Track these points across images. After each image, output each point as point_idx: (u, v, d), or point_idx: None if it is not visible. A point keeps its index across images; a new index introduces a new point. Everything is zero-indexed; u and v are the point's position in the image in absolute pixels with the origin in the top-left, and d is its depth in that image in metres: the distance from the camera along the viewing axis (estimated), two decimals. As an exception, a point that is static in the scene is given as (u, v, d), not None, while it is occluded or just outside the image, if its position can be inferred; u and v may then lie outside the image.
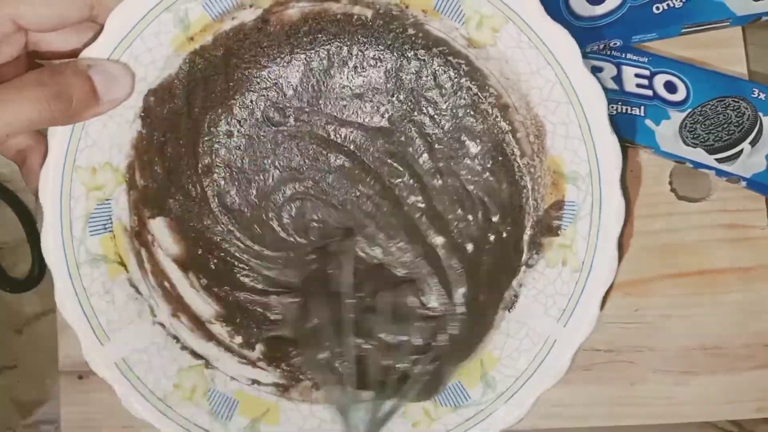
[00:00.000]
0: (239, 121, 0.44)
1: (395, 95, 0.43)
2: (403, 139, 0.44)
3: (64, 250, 0.38)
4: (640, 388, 0.44)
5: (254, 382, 0.42)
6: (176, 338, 0.42)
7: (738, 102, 0.43)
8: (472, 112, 0.43)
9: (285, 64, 0.43)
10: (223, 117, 0.43)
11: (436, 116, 0.43)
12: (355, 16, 0.41)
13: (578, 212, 0.39)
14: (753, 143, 0.43)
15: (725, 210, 0.44)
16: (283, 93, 0.44)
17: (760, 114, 0.43)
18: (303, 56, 0.43)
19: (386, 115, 0.44)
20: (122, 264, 0.41)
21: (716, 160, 0.43)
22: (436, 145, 0.43)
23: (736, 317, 0.43)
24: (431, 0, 0.39)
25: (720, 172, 0.43)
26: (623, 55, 0.45)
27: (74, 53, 0.37)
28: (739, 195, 0.44)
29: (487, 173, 0.43)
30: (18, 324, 0.49)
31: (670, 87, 0.44)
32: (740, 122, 0.43)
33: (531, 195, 0.41)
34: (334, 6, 0.40)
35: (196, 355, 0.42)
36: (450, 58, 0.41)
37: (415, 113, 0.43)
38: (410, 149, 0.44)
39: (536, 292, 0.40)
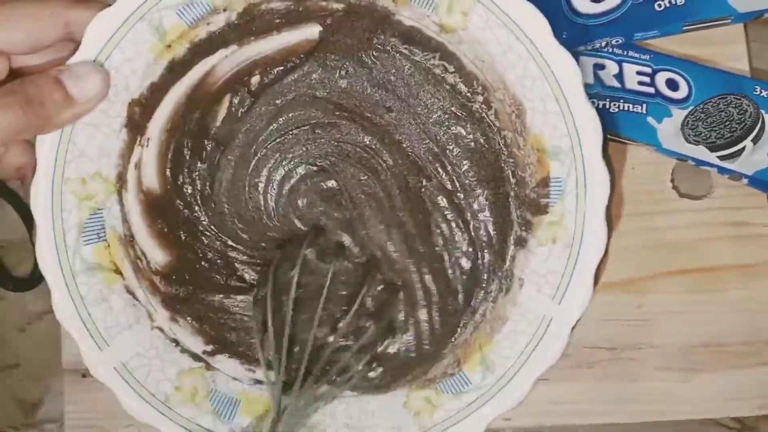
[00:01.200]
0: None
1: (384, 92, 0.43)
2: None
3: (58, 259, 0.39)
4: (642, 386, 0.44)
5: (256, 382, 0.42)
6: (176, 342, 0.42)
7: (740, 99, 0.43)
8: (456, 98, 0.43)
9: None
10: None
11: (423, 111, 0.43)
12: (328, 12, 0.41)
13: (564, 187, 0.39)
14: (755, 140, 0.43)
15: (727, 207, 0.44)
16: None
17: (762, 111, 0.43)
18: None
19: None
20: (118, 272, 0.41)
21: (718, 157, 0.43)
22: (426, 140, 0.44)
23: (738, 314, 0.43)
24: None
25: (722, 170, 0.43)
26: (625, 53, 0.45)
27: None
28: (741, 192, 0.44)
29: (475, 155, 0.43)
30: (21, 322, 0.49)
31: (672, 84, 0.44)
32: (742, 119, 0.43)
33: (517, 174, 0.41)
34: (309, 3, 0.41)
35: (196, 357, 0.42)
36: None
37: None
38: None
39: (529, 272, 0.40)
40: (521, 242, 0.41)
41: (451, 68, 0.42)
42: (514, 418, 0.44)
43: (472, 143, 0.43)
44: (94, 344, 0.40)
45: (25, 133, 0.35)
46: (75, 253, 0.39)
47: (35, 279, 0.48)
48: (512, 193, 0.42)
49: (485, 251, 0.43)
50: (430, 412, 0.40)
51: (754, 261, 0.44)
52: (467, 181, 0.43)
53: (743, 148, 0.43)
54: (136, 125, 0.41)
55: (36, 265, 0.48)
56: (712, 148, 0.43)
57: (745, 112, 0.43)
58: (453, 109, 0.43)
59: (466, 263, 0.43)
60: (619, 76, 0.44)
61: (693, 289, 0.44)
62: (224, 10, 0.40)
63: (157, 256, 0.43)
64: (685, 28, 0.44)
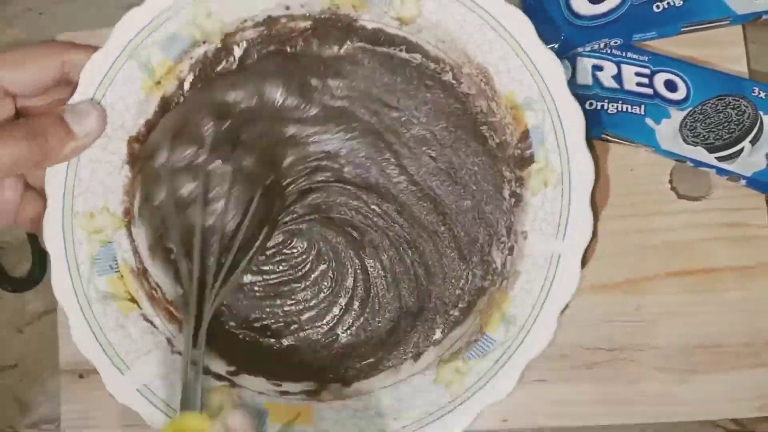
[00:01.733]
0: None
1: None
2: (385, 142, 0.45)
3: (74, 289, 0.40)
4: (640, 387, 0.44)
5: (283, 393, 0.42)
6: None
7: (738, 100, 0.43)
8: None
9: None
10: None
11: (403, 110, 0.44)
12: (299, 30, 0.43)
13: (543, 133, 0.40)
14: (753, 142, 0.43)
15: (726, 209, 0.44)
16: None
17: (761, 113, 0.43)
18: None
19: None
20: (134, 301, 0.42)
21: (716, 158, 0.43)
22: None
23: (737, 315, 0.43)
24: None
25: (720, 171, 0.43)
26: (623, 54, 0.45)
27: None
28: (740, 193, 0.44)
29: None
30: (19, 323, 0.49)
31: (671, 85, 0.44)
32: (741, 121, 0.43)
33: (497, 139, 0.42)
34: (278, 26, 0.43)
35: (220, 377, 0.42)
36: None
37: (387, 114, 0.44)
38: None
39: (530, 223, 0.41)
40: (517, 198, 0.42)
41: (417, 57, 0.43)
42: (512, 420, 0.44)
43: (448, 108, 0.44)
44: (115, 369, 0.40)
45: (28, 164, 0.37)
46: (89, 283, 0.40)
47: (33, 280, 0.49)
48: (498, 157, 0.43)
49: (485, 221, 0.43)
50: (461, 380, 0.41)
51: (752, 262, 0.44)
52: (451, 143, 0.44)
53: (741, 150, 0.43)
54: (136, 162, 0.42)
55: (33, 265, 0.48)
56: (711, 149, 0.43)
57: (743, 113, 0.43)
58: (425, 81, 0.44)
59: (467, 233, 0.44)
60: (618, 78, 0.44)
61: (691, 290, 0.44)
62: (203, 42, 0.42)
63: (171, 288, 0.43)
64: (683, 29, 0.44)
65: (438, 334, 0.43)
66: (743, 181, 0.43)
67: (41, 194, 0.41)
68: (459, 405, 0.40)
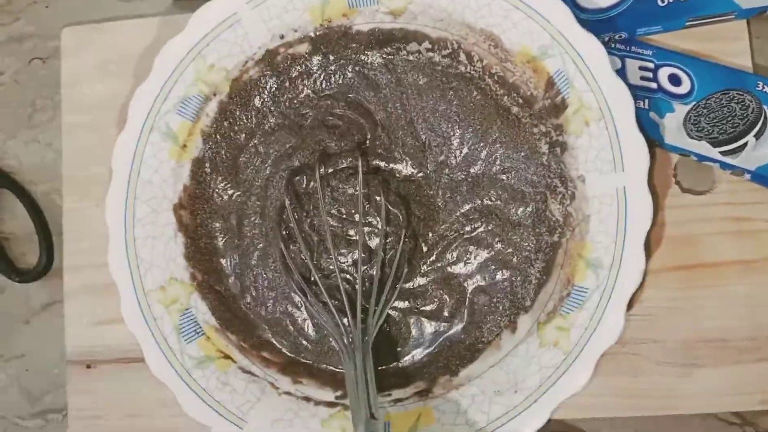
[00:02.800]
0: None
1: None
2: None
3: (170, 364, 0.42)
4: (644, 380, 0.44)
5: (396, 401, 0.43)
6: (307, 398, 0.43)
7: (742, 95, 0.43)
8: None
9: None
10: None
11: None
12: (298, 58, 0.44)
13: (568, 75, 0.40)
14: (758, 136, 0.43)
15: (729, 203, 0.44)
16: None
17: (765, 107, 0.43)
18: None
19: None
20: (228, 357, 0.42)
21: (720, 152, 0.43)
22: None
23: (740, 310, 0.43)
24: (344, 1, 0.42)
25: (724, 165, 0.43)
26: (627, 48, 0.45)
27: None
28: (744, 188, 0.44)
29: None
30: (26, 314, 0.50)
31: (675, 80, 0.44)
32: (745, 115, 0.43)
33: (523, 95, 0.43)
34: (279, 57, 0.44)
35: (331, 404, 0.43)
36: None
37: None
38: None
39: (584, 165, 0.41)
40: (562, 146, 0.42)
41: (426, 44, 0.43)
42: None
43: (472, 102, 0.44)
44: (233, 425, 0.41)
45: None
46: (182, 354, 0.42)
47: (40, 271, 0.49)
48: (523, 121, 0.43)
49: (530, 184, 0.44)
50: (566, 336, 0.41)
51: (756, 256, 0.44)
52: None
53: (746, 144, 0.43)
54: (186, 227, 0.43)
55: (41, 256, 0.48)
56: (715, 144, 0.43)
57: (747, 107, 0.43)
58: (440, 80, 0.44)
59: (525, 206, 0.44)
60: (622, 72, 0.44)
61: (695, 284, 0.44)
62: (214, 95, 0.43)
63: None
64: (688, 23, 0.44)
65: (526, 301, 0.43)
66: (747, 176, 0.43)
67: None
68: (574, 360, 0.40)
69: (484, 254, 0.44)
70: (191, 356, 0.42)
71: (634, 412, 0.44)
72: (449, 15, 0.42)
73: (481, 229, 0.44)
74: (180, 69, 0.42)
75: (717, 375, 0.43)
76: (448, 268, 0.44)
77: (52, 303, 0.49)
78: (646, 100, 0.44)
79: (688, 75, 0.44)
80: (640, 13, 0.44)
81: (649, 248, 0.40)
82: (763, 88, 0.43)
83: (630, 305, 0.41)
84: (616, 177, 0.40)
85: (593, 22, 0.44)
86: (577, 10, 0.44)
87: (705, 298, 0.44)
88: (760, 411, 0.43)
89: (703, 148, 0.43)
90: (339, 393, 0.43)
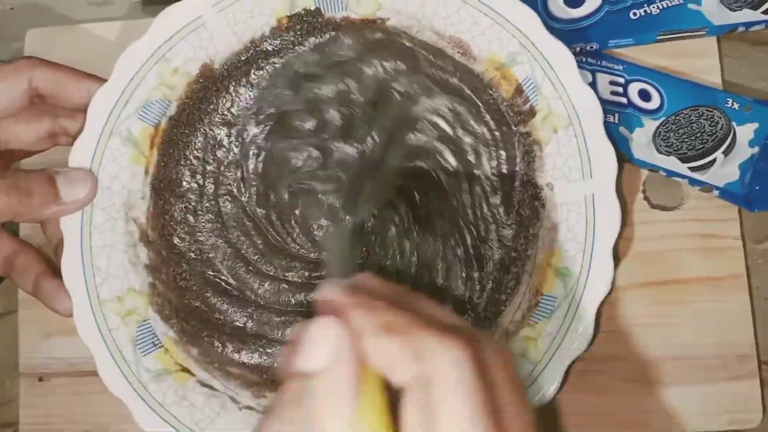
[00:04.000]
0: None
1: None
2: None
3: (124, 377, 0.40)
4: (612, 398, 0.43)
5: None
6: None
7: (712, 111, 0.43)
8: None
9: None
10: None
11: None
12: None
13: (536, 85, 0.40)
14: (726, 153, 0.43)
15: (698, 219, 0.44)
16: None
17: (734, 124, 0.43)
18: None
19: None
20: (186, 371, 0.41)
21: (689, 168, 0.43)
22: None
23: (708, 327, 0.43)
24: (311, 6, 0.42)
25: (693, 181, 0.43)
26: (598, 62, 0.45)
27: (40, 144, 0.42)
28: (712, 204, 0.44)
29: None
30: (-21, 324, 0.48)
31: (645, 95, 0.44)
32: (714, 131, 0.43)
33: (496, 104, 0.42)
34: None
35: None
36: None
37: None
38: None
39: (551, 173, 0.41)
40: (530, 154, 0.42)
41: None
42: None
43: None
44: None
45: (5, 215, 0.37)
46: (138, 366, 0.40)
47: (-5, 279, 0.47)
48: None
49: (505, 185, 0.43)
50: (534, 345, 0.40)
51: (724, 273, 0.43)
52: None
53: (714, 160, 0.43)
54: (147, 236, 0.42)
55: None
56: (684, 159, 0.43)
57: (716, 124, 0.43)
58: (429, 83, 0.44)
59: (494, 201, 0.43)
60: (593, 86, 0.44)
61: (663, 301, 0.43)
62: (177, 99, 0.42)
63: None
64: (659, 37, 0.44)
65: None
66: (716, 192, 0.43)
67: (13, 235, 0.41)
68: (543, 370, 0.39)
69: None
70: (148, 369, 0.40)
71: (602, 430, 0.43)
72: (418, 21, 0.41)
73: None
74: (142, 72, 0.41)
75: (684, 394, 0.43)
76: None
77: (5, 313, 0.48)
78: (616, 115, 0.44)
79: (658, 90, 0.44)
80: (611, 25, 0.44)
81: (617, 262, 0.40)
82: (733, 104, 0.43)
83: (598, 320, 0.40)
84: (584, 184, 0.40)
85: (565, 32, 0.44)
86: (549, 20, 0.44)
87: (673, 315, 0.43)
88: (729, 431, 0.43)
89: (672, 163, 0.43)
90: None
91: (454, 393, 0.25)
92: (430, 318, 0.28)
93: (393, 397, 0.27)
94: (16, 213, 0.37)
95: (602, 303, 0.39)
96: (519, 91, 0.41)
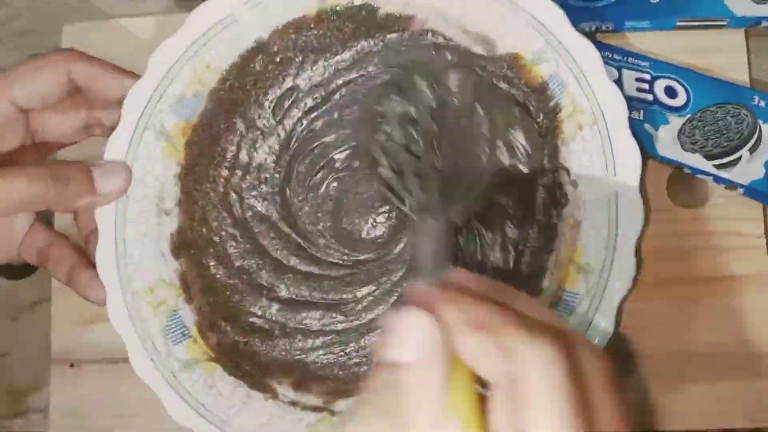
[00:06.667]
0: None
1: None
2: None
3: (155, 365, 0.41)
4: (631, 395, 0.43)
5: None
6: (293, 403, 0.42)
7: (738, 109, 0.43)
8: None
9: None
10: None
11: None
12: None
13: (563, 83, 0.40)
14: (752, 150, 0.43)
15: (722, 217, 0.44)
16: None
17: (760, 121, 0.43)
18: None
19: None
20: (215, 360, 0.42)
21: (714, 166, 0.43)
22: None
23: (730, 325, 0.43)
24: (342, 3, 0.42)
25: (718, 179, 0.43)
26: (624, 59, 0.45)
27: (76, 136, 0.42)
28: (737, 202, 0.44)
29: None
30: (13, 312, 0.50)
31: (671, 92, 0.44)
32: (739, 129, 0.43)
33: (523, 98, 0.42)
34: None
35: (318, 409, 0.42)
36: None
37: None
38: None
39: (576, 170, 0.41)
40: (555, 152, 0.42)
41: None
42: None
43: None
44: (217, 429, 0.40)
45: (41, 204, 0.38)
46: (168, 356, 0.41)
47: (29, 268, 0.49)
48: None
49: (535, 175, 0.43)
50: None
51: (747, 272, 0.43)
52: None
53: (740, 158, 0.43)
54: (179, 228, 0.43)
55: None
56: (709, 157, 0.43)
57: (742, 121, 0.43)
58: None
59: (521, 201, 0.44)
60: (618, 82, 0.44)
61: (686, 299, 0.43)
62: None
63: None
64: (678, 23, 0.44)
65: None
66: (741, 190, 0.43)
67: (47, 226, 0.41)
68: None
69: None
70: (178, 359, 0.41)
71: (622, 426, 0.43)
72: (445, 18, 0.42)
73: None
74: (176, 69, 0.41)
75: (704, 391, 0.43)
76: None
77: (39, 301, 0.49)
78: (641, 112, 0.44)
79: (685, 87, 0.44)
80: (630, 6, 0.44)
81: (640, 259, 0.40)
82: (759, 102, 0.43)
83: (619, 318, 0.40)
84: (608, 182, 0.40)
85: (581, 10, 0.44)
86: (566, -2, 0.44)
87: (695, 313, 0.43)
88: (749, 429, 0.43)
89: (697, 161, 0.43)
90: (327, 398, 0.43)
91: (543, 392, 0.25)
92: (525, 315, 0.28)
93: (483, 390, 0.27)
94: (52, 202, 0.38)
95: (624, 300, 0.39)
96: (543, 88, 0.41)
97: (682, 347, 0.43)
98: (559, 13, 0.40)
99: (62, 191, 0.37)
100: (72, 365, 0.46)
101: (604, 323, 0.39)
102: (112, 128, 0.41)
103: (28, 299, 0.49)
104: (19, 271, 0.49)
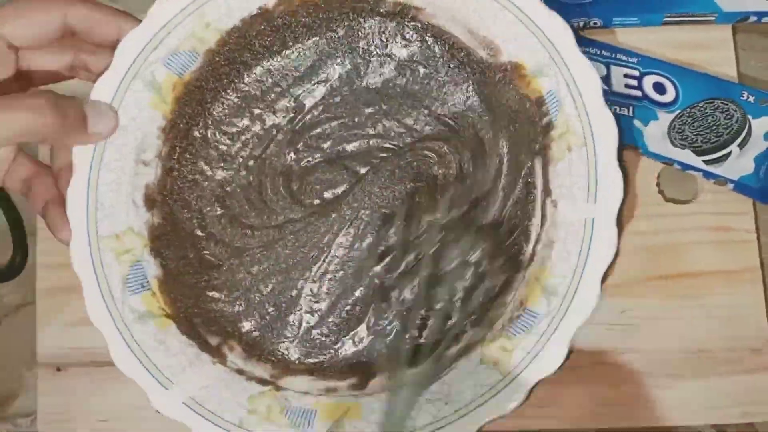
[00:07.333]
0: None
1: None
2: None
3: (109, 312, 0.40)
4: (624, 391, 0.43)
5: (329, 390, 0.42)
6: (240, 371, 0.42)
7: (727, 104, 0.43)
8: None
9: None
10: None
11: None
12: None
13: (558, 96, 0.40)
14: (741, 146, 0.43)
15: (712, 212, 0.44)
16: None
17: (749, 116, 0.43)
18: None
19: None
20: (169, 317, 0.41)
21: (704, 161, 0.43)
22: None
23: (722, 321, 0.43)
24: None
25: (708, 174, 0.43)
26: (613, 55, 0.45)
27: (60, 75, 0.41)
28: (727, 198, 0.44)
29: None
30: (-3, 315, 0.49)
31: (659, 88, 0.44)
32: (729, 124, 0.43)
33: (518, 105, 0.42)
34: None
35: (264, 382, 0.42)
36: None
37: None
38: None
39: (558, 190, 0.40)
40: (544, 169, 0.41)
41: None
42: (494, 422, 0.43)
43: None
44: (159, 386, 0.40)
45: (38, 136, 0.37)
46: (123, 305, 0.40)
47: (13, 270, 0.48)
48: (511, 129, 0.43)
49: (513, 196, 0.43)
50: (508, 357, 0.40)
51: (738, 267, 0.43)
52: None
53: (729, 153, 0.43)
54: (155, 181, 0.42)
55: (14, 255, 0.48)
56: (699, 152, 0.43)
57: (731, 117, 0.43)
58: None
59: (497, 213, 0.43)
60: (607, 79, 0.44)
61: (677, 295, 0.43)
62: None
63: None
64: (666, 19, 0.44)
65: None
66: (730, 185, 0.43)
67: (32, 158, 0.40)
68: (510, 382, 0.39)
69: None
70: (133, 309, 0.40)
71: (615, 423, 0.43)
72: (453, 18, 0.41)
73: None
74: (175, 21, 0.41)
75: (698, 387, 0.43)
76: None
77: (23, 304, 0.48)
78: (630, 108, 0.44)
79: (673, 83, 0.44)
80: (617, 2, 0.44)
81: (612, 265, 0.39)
82: (748, 97, 0.43)
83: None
84: (586, 207, 0.39)
85: (569, 6, 0.44)
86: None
87: (686, 309, 0.43)
88: (741, 424, 0.43)
89: (687, 156, 0.43)
90: (275, 372, 0.42)
91: None
92: None
93: None
94: (49, 134, 0.37)
95: (579, 329, 0.39)
96: (540, 102, 0.40)
97: (674, 343, 0.43)
98: (567, 31, 0.39)
99: (60, 124, 0.36)
100: (59, 369, 0.46)
101: (557, 349, 0.39)
102: (98, 74, 0.40)
103: (12, 302, 0.49)
104: (4, 272, 0.48)
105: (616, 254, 0.39)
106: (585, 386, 0.43)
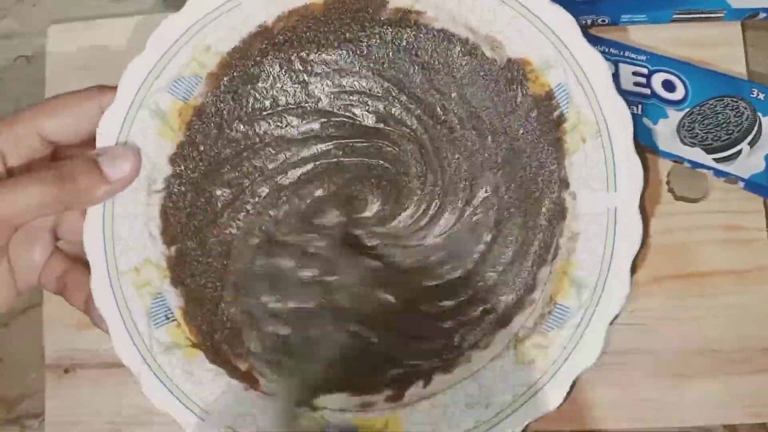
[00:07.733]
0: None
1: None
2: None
3: (136, 347, 0.40)
4: (633, 392, 0.43)
5: (365, 405, 0.41)
6: (274, 395, 0.41)
7: (737, 102, 0.43)
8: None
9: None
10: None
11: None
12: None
13: (567, 88, 0.39)
14: (752, 143, 0.42)
15: (723, 211, 0.43)
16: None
17: (759, 114, 0.43)
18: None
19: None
20: (196, 346, 0.41)
21: (714, 159, 0.43)
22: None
23: (732, 320, 0.43)
24: None
25: (718, 173, 0.43)
26: (621, 53, 0.44)
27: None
28: (737, 196, 0.43)
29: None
30: (4, 317, 0.49)
31: (669, 86, 0.44)
32: (739, 122, 0.43)
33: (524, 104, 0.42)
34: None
35: (300, 403, 0.41)
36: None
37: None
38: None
39: (576, 181, 0.40)
40: (559, 162, 0.41)
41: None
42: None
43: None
44: (196, 417, 0.40)
45: (58, 206, 0.37)
46: (150, 338, 0.40)
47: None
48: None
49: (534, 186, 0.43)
50: (544, 353, 0.39)
51: (748, 266, 0.43)
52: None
53: (740, 151, 0.42)
54: (166, 208, 0.42)
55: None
56: (709, 151, 0.43)
57: (741, 114, 0.43)
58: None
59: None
60: (615, 77, 0.44)
61: (687, 294, 0.43)
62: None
63: None
64: (675, 16, 0.44)
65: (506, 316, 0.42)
66: (741, 184, 0.43)
67: (66, 254, 0.41)
68: (550, 380, 0.39)
69: None
70: (159, 341, 0.40)
71: (623, 424, 0.43)
72: (452, 17, 0.41)
73: None
74: (175, 48, 0.40)
75: (708, 387, 0.42)
76: None
77: (30, 306, 0.48)
78: (639, 106, 0.43)
79: (682, 81, 0.44)
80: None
81: (634, 264, 0.39)
82: (758, 95, 0.43)
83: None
84: (607, 197, 0.39)
85: (577, 4, 0.43)
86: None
87: (696, 308, 0.43)
88: (752, 424, 0.43)
89: (697, 154, 0.43)
90: (308, 392, 0.42)
91: None
92: None
93: None
94: (67, 200, 0.37)
95: (615, 318, 0.39)
96: (549, 96, 0.40)
97: (683, 343, 0.43)
98: (570, 20, 0.39)
99: (72, 189, 0.36)
100: (66, 371, 0.46)
101: (594, 340, 0.39)
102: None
103: (20, 305, 0.49)
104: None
105: (644, 243, 0.39)
106: (593, 387, 0.43)
